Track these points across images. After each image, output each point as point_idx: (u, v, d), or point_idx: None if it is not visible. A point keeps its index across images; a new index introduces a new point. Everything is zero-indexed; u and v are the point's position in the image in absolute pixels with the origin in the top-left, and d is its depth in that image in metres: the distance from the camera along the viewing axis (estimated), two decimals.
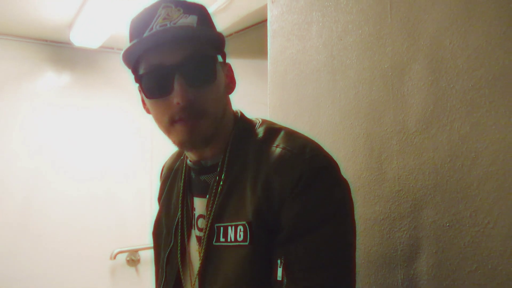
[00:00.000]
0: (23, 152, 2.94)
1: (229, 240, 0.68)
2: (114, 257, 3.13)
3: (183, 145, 0.71)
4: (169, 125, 0.69)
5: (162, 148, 3.58)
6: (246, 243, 0.66)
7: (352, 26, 0.97)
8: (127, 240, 3.25)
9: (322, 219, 0.63)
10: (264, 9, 2.43)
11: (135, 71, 0.71)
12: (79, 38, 2.74)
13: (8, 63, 2.93)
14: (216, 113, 0.70)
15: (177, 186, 0.83)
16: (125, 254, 3.23)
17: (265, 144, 0.71)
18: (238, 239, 0.66)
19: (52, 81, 3.09)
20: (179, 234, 0.79)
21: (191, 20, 0.67)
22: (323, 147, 0.71)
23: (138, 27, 0.68)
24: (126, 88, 3.36)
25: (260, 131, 0.75)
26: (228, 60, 0.78)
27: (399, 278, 0.84)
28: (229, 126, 0.76)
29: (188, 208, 0.79)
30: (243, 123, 0.78)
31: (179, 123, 0.67)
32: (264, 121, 0.79)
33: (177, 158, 0.90)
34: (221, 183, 0.72)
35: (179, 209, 0.80)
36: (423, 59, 0.81)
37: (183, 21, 0.66)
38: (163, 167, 0.95)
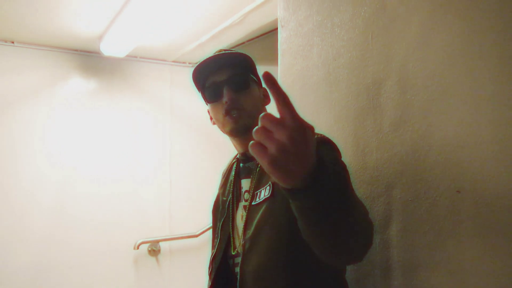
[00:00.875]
0: (58, 152, 3.21)
1: (261, 198, 1.00)
2: (138, 247, 3.41)
3: (232, 132, 1.05)
4: (223, 119, 1.04)
5: (180, 150, 3.91)
6: (269, 195, 0.97)
7: (344, 50, 1.25)
8: (149, 232, 3.54)
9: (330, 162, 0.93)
10: (272, 22, 2.71)
11: (201, 86, 1.09)
12: (108, 48, 3.02)
13: (44, 70, 3.21)
14: (251, 109, 1.04)
15: (230, 176, 1.17)
16: (147, 245, 3.52)
17: None
18: (266, 195, 0.98)
19: (82, 86, 3.36)
20: (231, 207, 1.10)
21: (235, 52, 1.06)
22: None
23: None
24: (148, 93, 3.66)
25: None
26: None
27: (377, 242, 1.12)
28: None
29: (237, 188, 1.12)
30: None
31: (228, 116, 1.03)
32: None
33: (230, 163, 1.24)
34: (258, 165, 1.05)
35: (231, 190, 1.13)
36: (394, 77, 1.08)
37: (229, 52, 1.06)
38: (224, 170, 1.30)
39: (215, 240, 1.15)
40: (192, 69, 1.07)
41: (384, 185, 1.10)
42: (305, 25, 1.40)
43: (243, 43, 3.26)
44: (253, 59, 1.11)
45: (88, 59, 3.38)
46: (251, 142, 0.60)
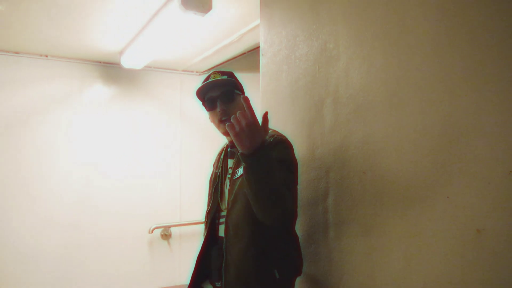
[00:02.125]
0: (83, 149, 3.74)
1: (238, 174, 1.50)
2: (152, 231, 3.94)
3: (224, 133, 1.55)
4: (218, 124, 1.53)
5: (188, 148, 4.49)
6: (243, 173, 1.46)
7: (302, 76, 1.76)
8: (162, 219, 4.06)
9: (281, 159, 1.41)
10: None
11: (202, 99, 1.57)
12: (128, 62, 3.55)
13: (72, 79, 3.75)
14: None
15: (221, 155, 1.67)
16: (160, 230, 4.06)
17: None
18: (241, 173, 1.47)
19: (104, 93, 3.89)
20: (221, 177, 1.61)
21: (224, 77, 1.53)
22: (287, 137, 1.53)
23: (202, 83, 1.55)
24: (161, 98, 4.18)
25: None
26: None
27: (320, 209, 1.63)
28: None
29: (225, 164, 1.63)
30: None
31: (222, 123, 1.50)
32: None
33: (222, 147, 1.73)
34: (239, 152, 1.48)
35: (221, 166, 1.63)
36: (331, 97, 1.59)
37: (220, 78, 1.52)
38: (218, 151, 1.77)
39: (210, 200, 1.66)
40: (196, 89, 1.56)
41: (324, 170, 1.62)
42: (278, 56, 1.92)
43: (242, 54, 3.77)
44: (237, 78, 1.60)
45: (110, 70, 3.92)
46: (227, 123, 1.21)
